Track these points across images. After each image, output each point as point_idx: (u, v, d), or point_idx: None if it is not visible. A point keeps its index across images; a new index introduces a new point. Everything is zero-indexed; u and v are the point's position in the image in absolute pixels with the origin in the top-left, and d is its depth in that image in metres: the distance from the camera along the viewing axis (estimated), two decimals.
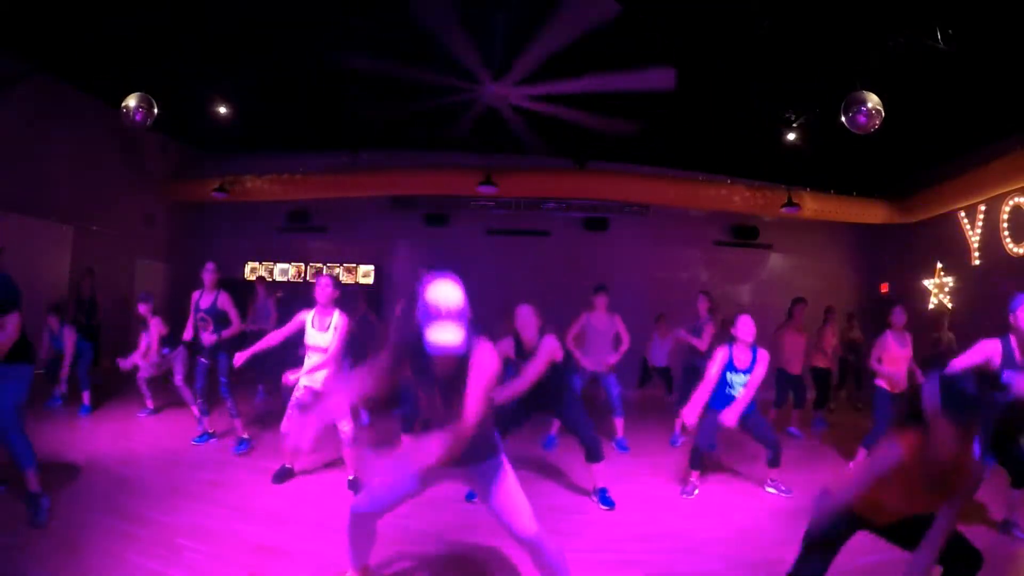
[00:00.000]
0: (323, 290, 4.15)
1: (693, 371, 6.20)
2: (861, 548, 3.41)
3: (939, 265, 9.36)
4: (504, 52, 5.96)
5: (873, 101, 5.49)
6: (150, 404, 6.16)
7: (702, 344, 6.04)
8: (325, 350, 4.12)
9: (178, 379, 5.89)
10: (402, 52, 6.12)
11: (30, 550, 2.83)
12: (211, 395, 5.32)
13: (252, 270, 11.16)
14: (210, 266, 5.26)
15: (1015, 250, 7.95)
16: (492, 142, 8.77)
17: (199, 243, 10.70)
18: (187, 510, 3.51)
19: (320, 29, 6.11)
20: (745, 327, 4.23)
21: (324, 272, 4.29)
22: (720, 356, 4.23)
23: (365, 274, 11.01)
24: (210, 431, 5.28)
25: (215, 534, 3.20)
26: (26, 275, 5.57)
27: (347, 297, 7.92)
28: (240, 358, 4.24)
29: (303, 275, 11.20)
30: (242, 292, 6.35)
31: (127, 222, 9.54)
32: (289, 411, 4.14)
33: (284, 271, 11.24)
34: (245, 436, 5.06)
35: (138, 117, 6.31)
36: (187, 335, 5.56)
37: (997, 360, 3.34)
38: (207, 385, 5.18)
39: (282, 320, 7.68)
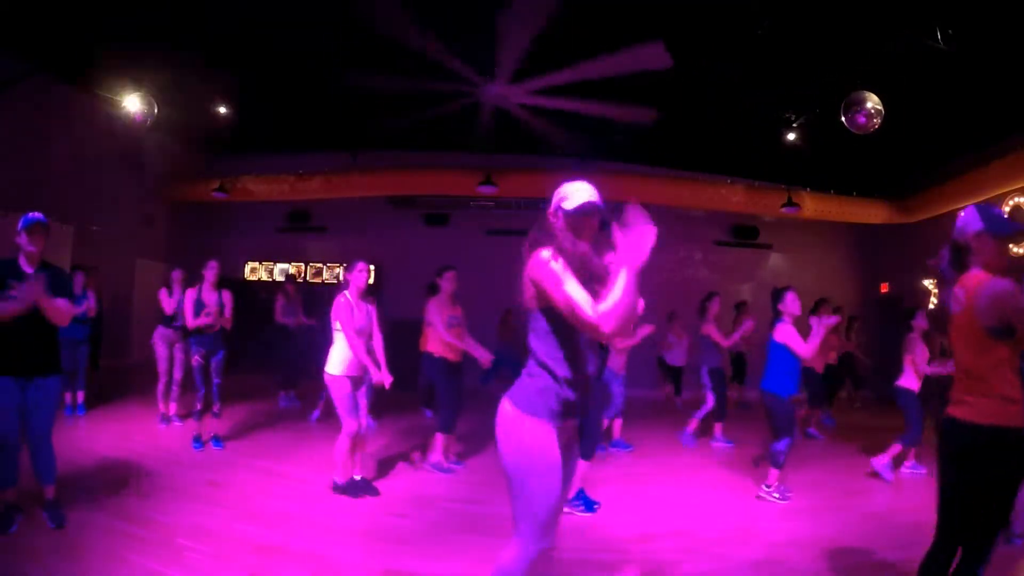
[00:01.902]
0: (361, 275, 4.07)
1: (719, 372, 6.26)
2: (861, 548, 3.42)
3: None
4: (489, 51, 5.98)
5: (873, 101, 5.50)
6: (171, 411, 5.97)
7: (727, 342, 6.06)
8: (368, 333, 4.09)
9: (178, 375, 5.89)
10: (392, 61, 6.19)
11: (30, 550, 2.83)
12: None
13: (252, 270, 11.17)
14: (213, 264, 5.23)
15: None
16: (492, 142, 8.77)
17: (199, 243, 10.69)
18: (187, 510, 3.51)
19: (314, 31, 6.13)
20: (793, 302, 4.29)
21: (351, 266, 4.18)
22: (791, 331, 4.22)
23: None
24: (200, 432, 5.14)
25: (215, 534, 3.20)
26: None
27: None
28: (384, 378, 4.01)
29: (303, 275, 11.21)
30: (241, 292, 6.37)
31: (127, 222, 9.55)
32: (344, 411, 3.96)
33: (284, 271, 11.25)
34: (206, 438, 5.04)
35: (138, 117, 6.31)
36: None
37: None
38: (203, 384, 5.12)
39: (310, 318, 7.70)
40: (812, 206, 9.40)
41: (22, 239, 3.15)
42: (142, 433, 5.45)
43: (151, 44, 6.42)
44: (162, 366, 5.84)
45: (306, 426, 6.19)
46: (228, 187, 9.68)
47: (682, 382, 8.23)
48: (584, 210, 1.97)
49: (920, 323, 5.20)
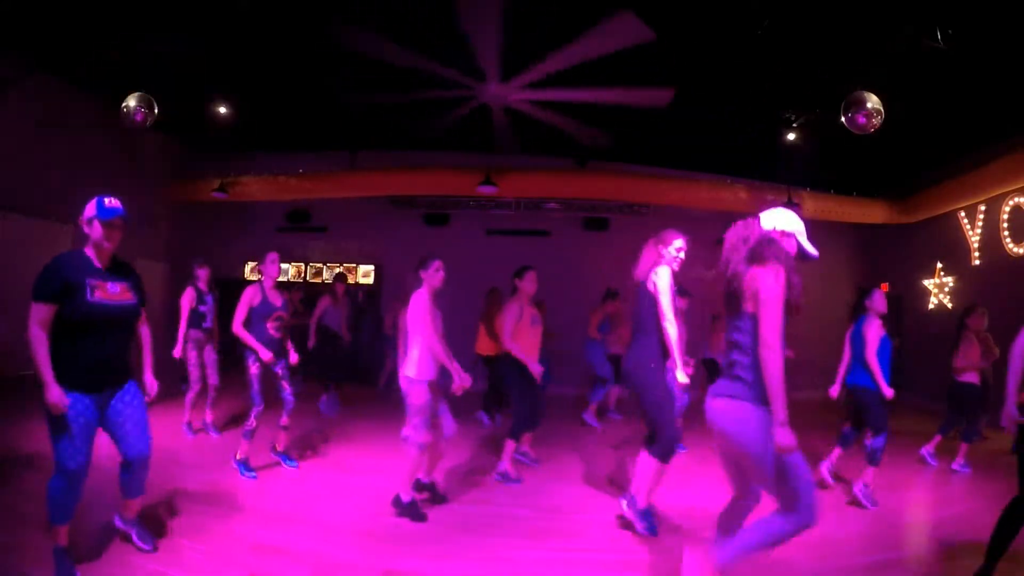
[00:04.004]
0: (438, 275, 3.74)
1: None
2: (861, 548, 3.42)
3: (939, 265, 9.37)
4: (522, 54, 5.99)
5: (873, 101, 5.49)
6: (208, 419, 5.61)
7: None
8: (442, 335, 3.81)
9: (214, 380, 5.57)
10: (385, 75, 6.23)
11: (30, 550, 2.82)
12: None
13: (252, 270, 11.16)
14: (274, 256, 4.44)
15: (1015, 250, 7.94)
16: (492, 142, 8.78)
17: (199, 243, 10.69)
18: (187, 510, 3.51)
19: (328, 13, 6.11)
20: (881, 300, 4.41)
21: (428, 265, 3.89)
22: (876, 327, 4.28)
23: (365, 274, 11.01)
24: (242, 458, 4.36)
25: (215, 534, 3.20)
26: (26, 275, 5.53)
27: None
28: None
29: (303, 275, 11.20)
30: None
31: (127, 222, 9.53)
32: (419, 420, 3.65)
33: (284, 271, 11.25)
34: (279, 450, 4.60)
35: (138, 117, 6.30)
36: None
37: None
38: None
39: (356, 323, 7.56)
40: (812, 206, 9.39)
41: (96, 231, 2.64)
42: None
43: (151, 43, 6.43)
44: (195, 373, 5.40)
45: (306, 426, 6.18)
46: (228, 187, 9.67)
47: None
48: (810, 259, 2.37)
49: (974, 323, 5.40)
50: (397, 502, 3.61)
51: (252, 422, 4.22)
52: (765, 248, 2.27)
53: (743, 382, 2.23)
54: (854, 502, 4.13)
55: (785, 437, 2.09)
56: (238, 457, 4.28)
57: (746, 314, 2.26)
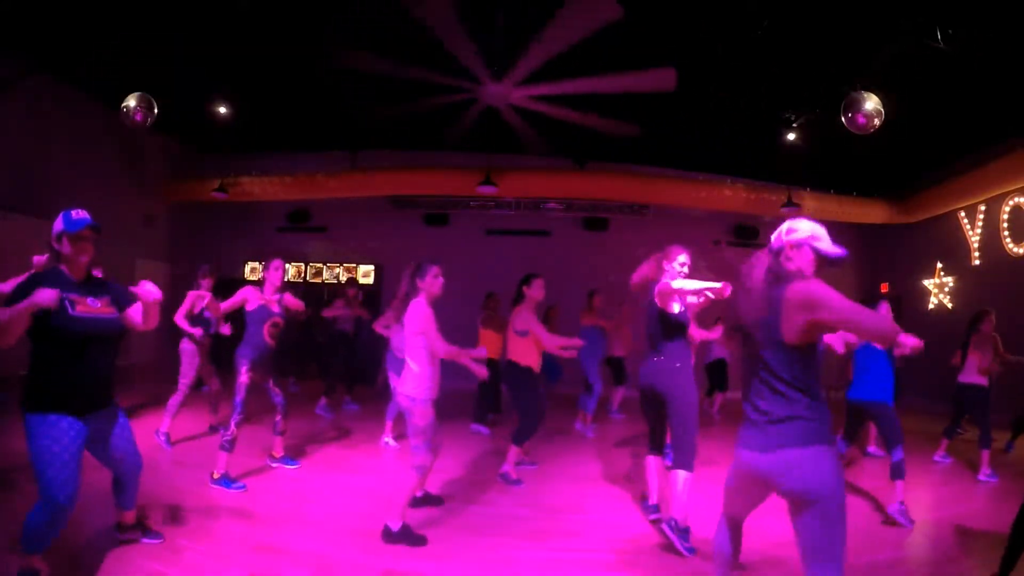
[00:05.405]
0: (437, 281, 3.47)
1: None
2: (861, 548, 3.42)
3: (939, 265, 9.37)
4: (507, 51, 5.96)
5: (873, 101, 5.49)
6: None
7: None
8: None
9: (215, 385, 5.63)
10: (403, 48, 6.17)
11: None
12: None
13: (252, 270, 11.16)
14: (279, 263, 4.45)
15: (1015, 250, 7.95)
16: (492, 142, 8.77)
17: (199, 243, 10.70)
18: (187, 510, 3.51)
19: (322, 23, 6.12)
20: (888, 314, 4.33)
21: (433, 263, 3.60)
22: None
23: (365, 274, 11.00)
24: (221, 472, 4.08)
25: (215, 534, 3.21)
26: None
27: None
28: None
29: (303, 275, 11.19)
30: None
31: (127, 222, 9.53)
32: (424, 440, 3.38)
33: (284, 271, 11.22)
34: (277, 456, 4.62)
35: (138, 117, 6.29)
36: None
37: None
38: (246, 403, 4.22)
39: (355, 323, 7.55)
40: (812, 206, 9.40)
41: (66, 247, 2.43)
42: (142, 433, 5.44)
43: (151, 44, 6.42)
44: (188, 380, 5.25)
45: (305, 426, 6.18)
46: (228, 187, 9.67)
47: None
48: (836, 260, 2.18)
49: (986, 327, 5.40)
50: (387, 533, 3.25)
51: (232, 430, 4.03)
52: (783, 268, 2.12)
53: (804, 421, 1.94)
54: (890, 522, 3.86)
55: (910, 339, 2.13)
56: (216, 476, 3.99)
57: (789, 346, 2.00)
